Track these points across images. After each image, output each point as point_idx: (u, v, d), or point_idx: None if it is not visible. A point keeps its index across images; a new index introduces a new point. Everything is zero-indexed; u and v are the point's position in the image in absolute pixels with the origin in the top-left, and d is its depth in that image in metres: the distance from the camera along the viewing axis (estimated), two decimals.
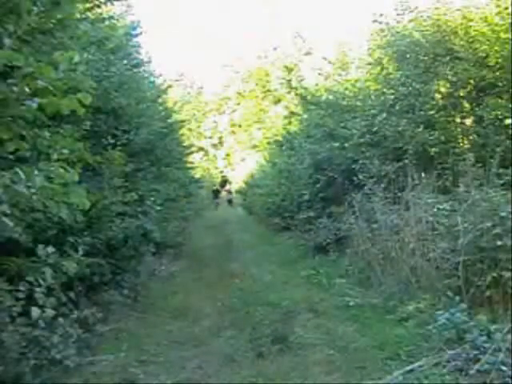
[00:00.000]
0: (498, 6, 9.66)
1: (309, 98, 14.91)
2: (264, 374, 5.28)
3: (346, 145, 11.75)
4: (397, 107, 10.70)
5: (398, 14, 11.55)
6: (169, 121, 14.24)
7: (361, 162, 10.89)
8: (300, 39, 35.98)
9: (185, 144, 19.74)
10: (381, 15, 11.98)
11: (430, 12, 10.85)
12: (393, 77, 11.44)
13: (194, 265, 13.03)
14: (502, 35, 9.37)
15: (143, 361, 5.88)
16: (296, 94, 16.99)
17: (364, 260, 9.31)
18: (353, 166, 11.21)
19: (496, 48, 9.42)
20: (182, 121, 18.61)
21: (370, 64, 13.19)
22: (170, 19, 68.99)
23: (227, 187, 39.56)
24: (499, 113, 9.25)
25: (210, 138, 44.26)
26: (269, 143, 26.43)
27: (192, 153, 22.48)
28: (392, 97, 10.97)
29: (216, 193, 37.33)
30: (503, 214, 6.40)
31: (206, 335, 6.84)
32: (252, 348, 6.06)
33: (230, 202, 38.44)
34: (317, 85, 17.11)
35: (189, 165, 20.60)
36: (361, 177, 10.41)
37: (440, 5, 10.68)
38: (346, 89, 14.39)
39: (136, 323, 7.43)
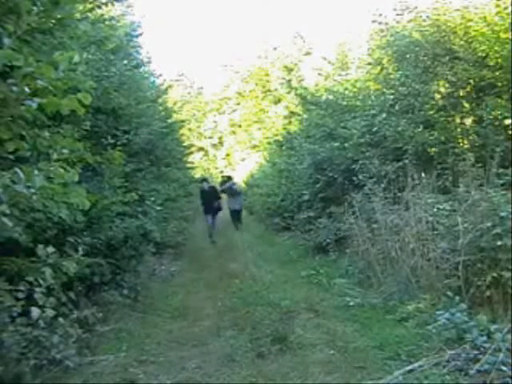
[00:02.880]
0: (498, 5, 9.66)
1: (309, 98, 14.93)
2: (264, 374, 5.28)
3: (346, 145, 11.76)
4: (396, 107, 10.72)
5: (397, 14, 11.57)
6: (169, 121, 14.26)
7: (361, 162, 10.90)
8: (300, 39, 36.00)
9: (185, 144, 19.78)
10: (380, 15, 12.01)
11: (429, 12, 10.87)
12: (392, 77, 11.45)
13: (194, 265, 13.03)
14: (502, 35, 9.37)
15: (143, 361, 5.88)
16: (296, 94, 16.99)
17: (364, 260, 9.31)
18: (353, 166, 11.22)
19: (495, 48, 9.42)
20: (182, 121, 18.66)
21: (369, 64, 13.21)
22: (170, 19, 69.00)
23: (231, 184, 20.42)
24: (499, 113, 9.25)
25: (210, 138, 44.22)
26: (269, 143, 26.45)
27: (192, 153, 22.53)
28: (392, 97, 10.98)
29: (211, 197, 18.07)
30: (503, 214, 6.40)
31: (206, 335, 6.84)
32: (252, 348, 6.06)
33: (236, 216, 20.11)
34: (317, 85, 17.16)
35: (189, 165, 20.62)
36: (361, 177, 10.42)
37: (439, 5, 10.70)
38: (346, 89, 14.42)
39: (136, 323, 7.43)
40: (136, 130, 9.74)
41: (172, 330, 7.23)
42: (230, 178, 22.38)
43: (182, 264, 13.01)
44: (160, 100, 14.33)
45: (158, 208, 10.19)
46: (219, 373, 5.45)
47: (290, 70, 36.13)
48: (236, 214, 20.27)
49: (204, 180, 19.52)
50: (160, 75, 15.98)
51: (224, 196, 19.72)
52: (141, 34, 13.40)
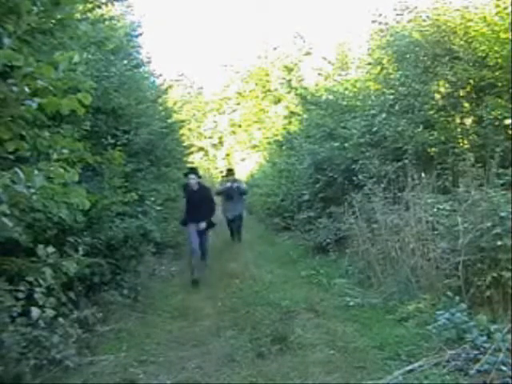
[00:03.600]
0: (498, 6, 9.66)
1: (309, 98, 14.93)
2: (264, 374, 5.28)
3: (346, 145, 11.77)
4: (396, 107, 10.71)
5: (397, 14, 11.58)
6: (169, 121, 14.25)
7: (361, 162, 10.91)
8: (300, 39, 35.97)
9: (185, 144, 19.78)
10: (380, 15, 12.02)
11: (429, 12, 10.87)
12: (392, 77, 11.45)
13: None
14: (502, 35, 9.37)
15: (143, 361, 5.88)
16: (296, 94, 16.99)
17: (364, 260, 9.31)
18: (353, 166, 11.23)
19: (495, 48, 9.42)
20: (182, 121, 18.65)
21: (369, 64, 13.21)
22: (170, 19, 69.01)
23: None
24: (499, 113, 9.25)
25: (210, 138, 44.20)
26: (269, 143, 26.45)
27: (192, 153, 22.52)
28: (392, 97, 10.98)
29: (199, 202, 11.31)
30: (503, 214, 6.40)
31: (206, 335, 6.84)
32: (252, 348, 6.06)
33: (235, 226, 16.02)
34: (317, 85, 17.16)
35: (189, 165, 20.62)
36: (361, 177, 10.42)
37: (439, 5, 10.70)
38: (346, 89, 14.42)
39: (136, 323, 7.43)
40: (136, 130, 9.75)
41: (172, 330, 7.24)
42: (231, 171, 16.09)
43: (182, 264, 12.99)
44: (160, 100, 14.33)
45: (158, 208, 10.18)
46: (219, 373, 5.46)
47: (290, 70, 36.11)
48: (235, 224, 15.88)
49: (191, 171, 12.01)
50: (160, 75, 15.99)
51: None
52: (141, 34, 13.42)
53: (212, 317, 7.84)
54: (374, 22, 12.30)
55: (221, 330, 6.96)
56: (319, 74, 16.98)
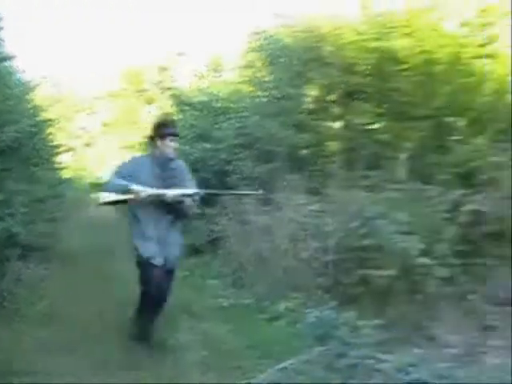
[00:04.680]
0: (366, 15, 10.03)
1: (183, 98, 14.87)
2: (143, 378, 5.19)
3: (220, 146, 11.82)
4: (270, 110, 10.88)
5: (272, 19, 11.77)
6: (37, 119, 13.69)
7: (234, 163, 10.98)
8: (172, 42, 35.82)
9: (54, 143, 19.09)
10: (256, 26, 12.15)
11: (300, 18, 11.12)
12: (266, 80, 11.63)
13: (66, 268, 12.57)
14: (371, 44, 9.72)
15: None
16: (170, 95, 16.88)
17: (237, 261, 9.37)
18: (226, 168, 11.28)
19: (364, 55, 9.77)
20: (51, 120, 17.99)
21: (244, 67, 13.35)
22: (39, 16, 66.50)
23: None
24: (366, 118, 9.62)
25: (80, 138, 42.98)
26: (140, 144, 26.11)
27: (61, 153, 21.76)
28: (265, 99, 11.14)
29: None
30: (369, 214, 6.67)
31: (77, 341, 6.61)
32: (126, 353, 5.95)
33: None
34: (190, 86, 17.15)
35: (58, 165, 19.93)
36: (234, 178, 10.50)
37: (310, 12, 10.98)
38: (220, 91, 14.50)
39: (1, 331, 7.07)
40: (2, 127, 9.30)
41: (41, 336, 6.93)
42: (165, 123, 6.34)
43: (53, 267, 12.48)
44: (28, 97, 13.73)
45: (24, 210, 9.75)
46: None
47: (163, 70, 35.82)
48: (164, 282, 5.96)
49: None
50: (24, 71, 15.28)
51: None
52: (1, 28, 12.79)
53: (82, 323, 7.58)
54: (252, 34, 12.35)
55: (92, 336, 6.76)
56: (194, 75, 16.99)
